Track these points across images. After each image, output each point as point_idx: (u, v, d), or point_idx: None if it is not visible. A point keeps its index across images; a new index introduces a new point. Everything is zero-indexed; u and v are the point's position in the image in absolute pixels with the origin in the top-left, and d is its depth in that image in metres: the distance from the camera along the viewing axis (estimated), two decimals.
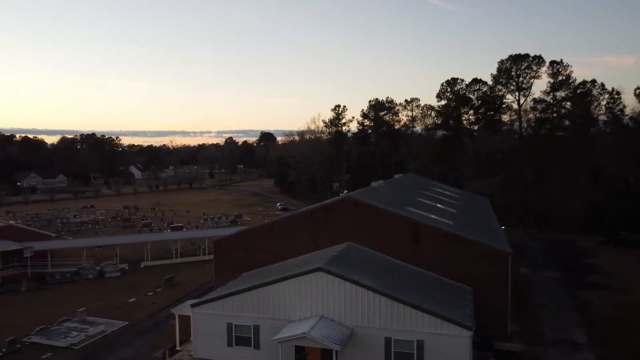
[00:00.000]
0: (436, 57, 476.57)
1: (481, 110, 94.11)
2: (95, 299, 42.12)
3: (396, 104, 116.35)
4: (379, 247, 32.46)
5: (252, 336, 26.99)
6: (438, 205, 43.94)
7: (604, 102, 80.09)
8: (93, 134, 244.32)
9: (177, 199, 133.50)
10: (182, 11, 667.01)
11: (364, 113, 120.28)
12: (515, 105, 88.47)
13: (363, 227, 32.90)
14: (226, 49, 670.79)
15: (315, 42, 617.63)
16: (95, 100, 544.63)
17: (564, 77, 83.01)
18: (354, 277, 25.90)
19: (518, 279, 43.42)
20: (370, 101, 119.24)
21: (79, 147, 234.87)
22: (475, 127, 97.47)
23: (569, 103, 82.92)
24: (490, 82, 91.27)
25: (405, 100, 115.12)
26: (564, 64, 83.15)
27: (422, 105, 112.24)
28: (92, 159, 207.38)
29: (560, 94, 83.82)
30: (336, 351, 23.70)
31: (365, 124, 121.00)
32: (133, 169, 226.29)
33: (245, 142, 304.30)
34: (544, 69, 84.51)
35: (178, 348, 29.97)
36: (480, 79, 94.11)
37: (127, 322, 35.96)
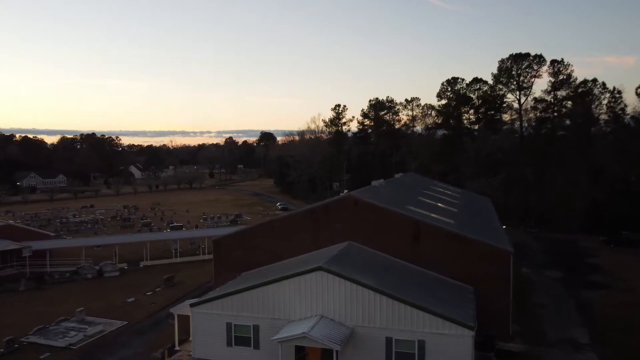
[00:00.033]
0: (436, 57, 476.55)
1: (482, 110, 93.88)
2: (94, 298, 41.91)
3: (396, 103, 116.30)
4: (379, 247, 32.24)
5: (252, 336, 26.76)
6: (439, 204, 43.71)
7: (605, 101, 79.92)
8: (93, 134, 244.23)
9: (177, 199, 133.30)
10: (182, 11, 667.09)
11: (364, 112, 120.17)
12: (515, 105, 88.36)
13: (364, 226, 32.68)
14: (226, 49, 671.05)
15: (315, 42, 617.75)
16: (95, 100, 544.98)
17: (564, 76, 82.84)
18: (355, 277, 25.67)
19: (519, 278, 43.22)
20: (370, 100, 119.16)
21: (78, 147, 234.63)
22: (476, 127, 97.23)
23: (569, 102, 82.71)
24: (490, 82, 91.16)
25: (406, 100, 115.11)
26: (565, 63, 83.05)
27: (422, 104, 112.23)
28: (92, 159, 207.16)
29: (561, 93, 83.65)
30: (336, 351, 23.47)
31: (366, 123, 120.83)
32: (133, 169, 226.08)
33: (245, 142, 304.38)
34: (544, 68, 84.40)
35: (177, 348, 29.74)
36: (481, 79, 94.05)
37: (126, 322, 35.74)
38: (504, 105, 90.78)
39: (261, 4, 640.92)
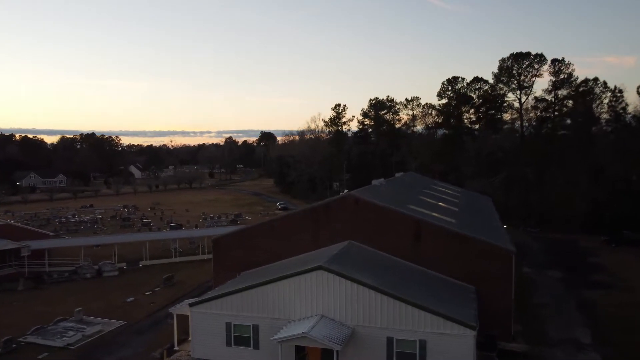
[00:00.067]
0: (436, 57, 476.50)
1: (482, 109, 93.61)
2: (93, 298, 41.67)
3: (397, 102, 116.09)
4: (380, 246, 31.99)
5: (252, 336, 26.53)
6: (440, 203, 43.47)
7: (606, 100, 79.60)
8: (93, 134, 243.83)
9: (177, 199, 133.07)
10: (182, 11, 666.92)
11: (364, 112, 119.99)
12: (516, 104, 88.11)
13: (364, 226, 32.43)
14: (226, 49, 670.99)
15: (315, 42, 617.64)
16: (95, 100, 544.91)
17: (565, 76, 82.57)
18: (355, 276, 25.43)
19: (520, 278, 43.02)
20: (370, 100, 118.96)
21: (78, 147, 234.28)
22: (476, 126, 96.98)
23: (570, 101, 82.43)
24: (491, 81, 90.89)
25: (406, 99, 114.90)
26: (566, 62, 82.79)
27: (422, 104, 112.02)
28: (91, 159, 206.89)
29: (562, 92, 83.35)
30: (337, 351, 23.23)
31: (366, 123, 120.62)
32: (133, 169, 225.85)
33: (245, 142, 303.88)
34: (545, 67, 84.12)
35: (176, 348, 29.50)
36: (481, 78, 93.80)
37: (124, 322, 35.50)
38: (505, 104, 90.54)
39: (261, 4, 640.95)
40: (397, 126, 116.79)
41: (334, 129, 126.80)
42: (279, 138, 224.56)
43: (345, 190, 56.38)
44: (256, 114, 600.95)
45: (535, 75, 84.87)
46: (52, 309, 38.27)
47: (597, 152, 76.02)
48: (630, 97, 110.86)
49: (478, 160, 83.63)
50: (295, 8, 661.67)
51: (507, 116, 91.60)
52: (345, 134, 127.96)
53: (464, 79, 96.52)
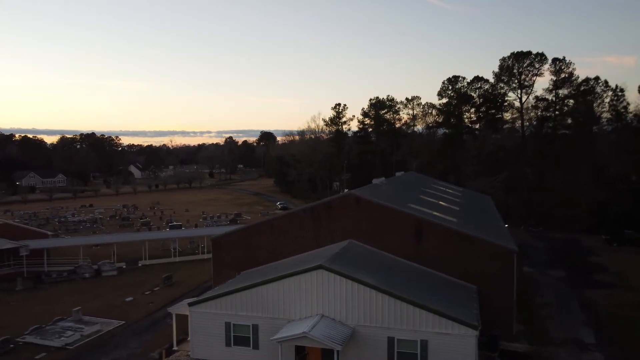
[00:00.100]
0: (437, 56, 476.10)
1: (482, 109, 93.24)
2: (92, 298, 41.41)
3: (397, 102, 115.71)
4: (381, 245, 31.76)
5: (251, 336, 26.26)
6: (440, 202, 43.19)
7: (607, 100, 79.24)
8: (93, 134, 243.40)
9: (177, 198, 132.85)
10: (182, 11, 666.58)
11: (364, 111, 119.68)
12: (517, 103, 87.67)
13: (365, 225, 32.21)
14: (226, 48, 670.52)
15: (315, 42, 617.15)
16: (95, 100, 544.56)
17: (566, 75, 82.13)
18: (356, 275, 25.15)
19: (522, 278, 42.79)
20: (370, 99, 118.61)
21: (78, 146, 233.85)
22: (477, 126, 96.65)
23: (571, 101, 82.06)
24: (492, 80, 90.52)
25: (406, 99, 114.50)
26: (567, 62, 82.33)
27: (423, 103, 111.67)
28: (91, 159, 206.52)
29: (563, 91, 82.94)
30: (337, 351, 22.93)
31: (366, 122, 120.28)
32: (133, 169, 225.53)
33: (245, 141, 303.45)
34: (546, 66, 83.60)
35: (175, 348, 29.23)
36: (482, 77, 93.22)
37: (123, 322, 35.22)
38: (506, 104, 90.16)
39: (261, 4, 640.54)
40: (397, 126, 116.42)
41: (334, 128, 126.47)
42: (279, 138, 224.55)
43: (345, 190, 56.12)
44: (256, 114, 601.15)
45: (536, 75, 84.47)
46: (51, 309, 38.02)
47: (598, 151, 75.77)
48: (630, 96, 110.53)
49: (479, 159, 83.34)
50: (295, 8, 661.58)
51: (507, 115, 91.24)
52: (346, 133, 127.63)
53: (464, 78, 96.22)
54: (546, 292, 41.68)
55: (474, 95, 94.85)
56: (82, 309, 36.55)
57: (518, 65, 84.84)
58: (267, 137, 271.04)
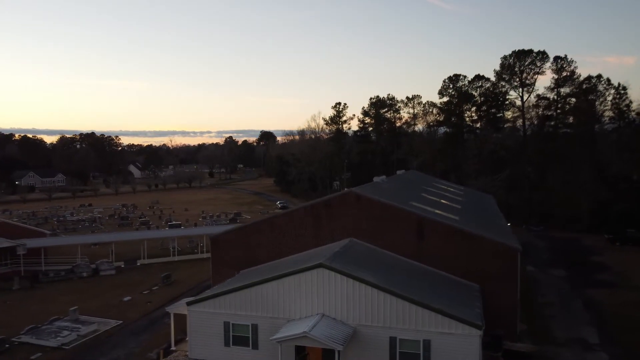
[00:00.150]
0: (437, 56, 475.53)
1: (484, 107, 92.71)
2: (89, 297, 40.97)
3: (397, 101, 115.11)
4: (382, 243, 31.32)
5: (250, 336, 25.81)
6: (442, 201, 42.72)
7: (609, 98, 78.74)
8: (92, 134, 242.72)
9: (176, 198, 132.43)
10: (182, 11, 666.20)
11: (364, 110, 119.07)
12: (518, 102, 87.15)
13: (366, 223, 31.75)
14: (226, 48, 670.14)
15: (316, 41, 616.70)
16: (95, 100, 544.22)
17: (568, 73, 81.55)
18: (357, 274, 24.69)
19: (524, 277, 42.22)
20: (371, 98, 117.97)
21: (78, 146, 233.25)
22: (478, 125, 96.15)
23: (573, 99, 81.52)
24: (493, 79, 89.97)
25: (407, 98, 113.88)
26: (568, 60, 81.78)
27: (423, 102, 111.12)
28: (91, 158, 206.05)
29: (565, 90, 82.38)
30: (338, 351, 22.45)
31: (366, 121, 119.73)
32: (132, 168, 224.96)
33: (245, 141, 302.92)
34: (547, 65, 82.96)
35: (173, 348, 28.77)
36: (483, 76, 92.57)
37: (121, 321, 34.78)
38: (507, 102, 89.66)
39: (261, 4, 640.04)
40: (398, 125, 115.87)
41: (334, 127, 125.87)
42: (279, 138, 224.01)
43: (346, 189, 55.58)
44: (256, 114, 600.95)
45: (538, 73, 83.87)
46: (47, 308, 37.57)
47: (600, 150, 75.30)
48: (633, 95, 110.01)
49: (480, 158, 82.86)
50: (296, 8, 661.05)
51: (509, 114, 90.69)
52: (346, 133, 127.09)
53: (465, 76, 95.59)
54: (548, 292, 41.25)
55: (475, 93, 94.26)
56: (80, 308, 36.11)
57: (519, 64, 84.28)
58: (267, 136, 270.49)
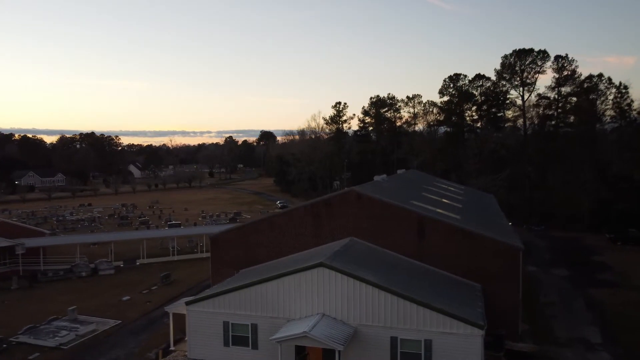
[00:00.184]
0: (438, 55, 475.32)
1: (484, 107, 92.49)
2: (88, 297, 40.72)
3: (398, 100, 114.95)
4: (383, 243, 31.07)
5: (250, 335, 25.56)
6: (443, 200, 42.46)
7: (611, 97, 78.49)
8: (92, 133, 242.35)
9: (176, 198, 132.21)
10: (182, 11, 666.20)
11: (365, 110, 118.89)
12: (519, 101, 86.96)
13: (366, 222, 31.49)
14: (226, 48, 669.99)
15: (316, 41, 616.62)
16: (95, 100, 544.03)
17: (569, 72, 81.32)
18: (358, 273, 24.44)
19: (525, 276, 41.98)
20: (371, 98, 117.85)
21: (78, 146, 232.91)
22: (478, 124, 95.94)
23: (574, 98, 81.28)
24: (493, 78, 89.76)
25: (407, 97, 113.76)
26: (569, 59, 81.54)
27: (424, 101, 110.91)
28: (91, 158, 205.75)
29: (566, 89, 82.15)
30: (339, 351, 22.20)
31: (367, 121, 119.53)
32: (132, 168, 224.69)
33: (245, 141, 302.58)
34: (548, 64, 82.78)
35: (172, 348, 28.52)
36: (484, 75, 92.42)
37: (120, 321, 34.53)
38: (507, 101, 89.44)
39: (261, 4, 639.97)
40: (398, 124, 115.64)
41: (334, 127, 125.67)
42: (279, 137, 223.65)
43: (346, 188, 55.27)
44: (256, 114, 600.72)
45: (539, 72, 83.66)
46: (46, 308, 37.33)
47: (601, 149, 75.05)
48: (634, 94, 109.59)
49: (480, 158, 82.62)
50: (296, 8, 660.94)
51: (509, 113, 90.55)
52: (346, 132, 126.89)
53: (465, 76, 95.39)
54: (550, 291, 41.02)
55: (476, 93, 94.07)
56: (78, 308, 35.86)
57: (520, 63, 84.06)
58: (267, 136, 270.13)
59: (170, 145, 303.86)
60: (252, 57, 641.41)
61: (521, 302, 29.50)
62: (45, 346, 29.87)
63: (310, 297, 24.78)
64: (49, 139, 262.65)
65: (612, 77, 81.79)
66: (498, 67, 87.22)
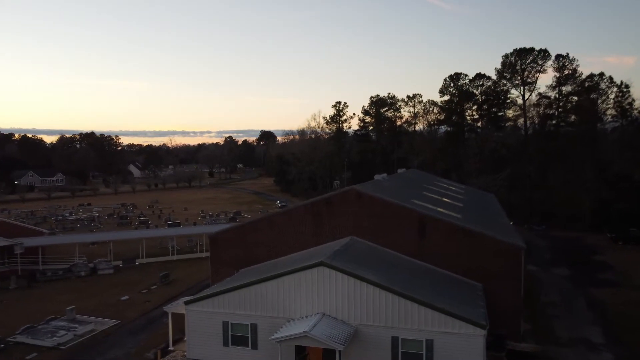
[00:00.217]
0: (437, 56, 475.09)
1: (485, 106, 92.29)
2: (87, 296, 40.49)
3: (398, 100, 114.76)
4: (384, 242, 30.81)
5: (250, 335, 25.32)
6: (444, 199, 42.23)
7: (612, 96, 78.24)
8: (92, 133, 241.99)
9: (176, 197, 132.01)
10: (182, 11, 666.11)
11: (365, 109, 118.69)
12: (519, 101, 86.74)
13: (367, 221, 31.23)
14: (226, 48, 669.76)
15: (316, 41, 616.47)
16: (95, 100, 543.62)
17: (570, 71, 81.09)
18: (358, 272, 24.20)
19: (526, 276, 41.72)
20: (371, 97, 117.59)
21: (77, 146, 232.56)
22: (479, 123, 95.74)
23: (575, 97, 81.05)
24: (494, 77, 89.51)
25: (407, 96, 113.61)
26: (570, 58, 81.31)
27: (424, 101, 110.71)
28: (90, 158, 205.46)
29: (566, 88, 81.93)
30: (339, 351, 21.97)
31: (367, 120, 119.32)
32: (132, 168, 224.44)
33: (245, 141, 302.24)
34: (549, 63, 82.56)
35: (171, 348, 28.28)
36: (484, 74, 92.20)
37: (118, 321, 34.31)
38: (508, 101, 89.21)
39: (261, 4, 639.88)
40: (398, 124, 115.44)
41: (334, 127, 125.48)
42: (279, 137, 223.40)
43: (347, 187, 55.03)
44: (256, 114, 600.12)
45: (539, 71, 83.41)
46: (45, 308, 37.11)
47: (602, 149, 74.83)
48: (635, 93, 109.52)
49: (481, 157, 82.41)
50: (296, 8, 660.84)
51: (510, 113, 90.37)
52: (346, 132, 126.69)
53: (466, 75, 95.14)
54: (551, 291, 40.81)
55: (476, 92, 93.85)
56: (77, 308, 35.63)
57: (521, 62, 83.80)
58: (267, 136, 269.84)
59: (170, 145, 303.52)
60: (252, 57, 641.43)
61: (523, 302, 29.25)
62: (43, 346, 29.65)
63: (310, 297, 24.55)
64: (49, 139, 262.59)
65: (612, 77, 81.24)
66: (498, 67, 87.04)
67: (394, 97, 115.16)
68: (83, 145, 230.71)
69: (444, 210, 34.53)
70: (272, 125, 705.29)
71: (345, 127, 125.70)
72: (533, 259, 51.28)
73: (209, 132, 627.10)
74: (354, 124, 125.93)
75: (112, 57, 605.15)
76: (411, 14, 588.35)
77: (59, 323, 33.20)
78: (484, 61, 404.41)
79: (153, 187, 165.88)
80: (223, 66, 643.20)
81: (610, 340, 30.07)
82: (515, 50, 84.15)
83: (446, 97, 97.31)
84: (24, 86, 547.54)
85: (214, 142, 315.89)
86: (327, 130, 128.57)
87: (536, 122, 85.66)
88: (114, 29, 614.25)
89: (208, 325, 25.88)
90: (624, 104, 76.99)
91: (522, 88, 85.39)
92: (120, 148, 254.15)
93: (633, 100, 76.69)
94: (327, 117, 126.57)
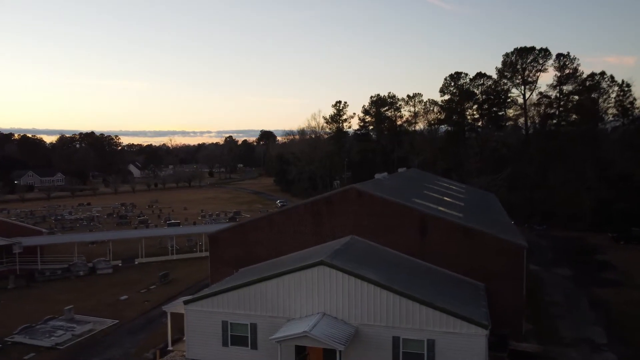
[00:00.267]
0: (438, 56, 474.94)
1: (485, 105, 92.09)
2: (86, 296, 40.24)
3: (398, 99, 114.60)
4: (384, 241, 30.59)
5: (249, 335, 25.11)
6: (445, 198, 41.99)
7: (613, 95, 78.03)
8: (92, 133, 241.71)
9: (175, 197, 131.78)
10: (182, 11, 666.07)
11: (365, 109, 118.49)
12: (520, 100, 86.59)
13: (368, 220, 31.01)
14: (226, 48, 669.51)
15: (316, 41, 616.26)
16: (95, 100, 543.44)
17: (570, 71, 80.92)
18: (359, 272, 23.96)
19: (528, 276, 41.49)
20: (371, 97, 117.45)
21: (77, 145, 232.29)
22: (479, 123, 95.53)
23: (576, 97, 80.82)
24: (494, 77, 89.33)
25: (408, 96, 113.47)
26: (571, 57, 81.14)
27: (424, 100, 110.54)
28: (90, 158, 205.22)
29: (567, 87, 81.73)
30: (340, 351, 21.74)
31: (367, 120, 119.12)
32: (132, 168, 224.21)
33: (245, 141, 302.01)
34: (550, 62, 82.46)
35: (170, 348, 28.05)
36: (485, 74, 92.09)
37: (117, 321, 34.06)
38: (509, 100, 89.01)
39: (261, 4, 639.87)
40: (398, 123, 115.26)
41: (334, 126, 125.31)
42: (279, 137, 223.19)
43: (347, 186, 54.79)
44: (256, 114, 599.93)
45: (540, 71, 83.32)
46: (43, 308, 36.82)
47: (602, 148, 74.57)
48: (636, 92, 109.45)
49: (481, 157, 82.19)
50: (296, 8, 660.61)
51: (510, 112, 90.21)
52: (346, 132, 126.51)
53: (466, 74, 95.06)
54: (553, 291, 40.55)
55: (477, 91, 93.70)
56: (76, 307, 35.39)
57: (521, 61, 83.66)
58: (267, 136, 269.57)
59: (170, 145, 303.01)
60: (252, 57, 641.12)
61: (525, 302, 29.01)
62: (41, 346, 29.39)
63: (310, 296, 24.31)
64: (49, 139, 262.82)
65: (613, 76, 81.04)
66: (499, 66, 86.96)
67: (394, 96, 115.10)
68: (83, 145, 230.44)
69: (445, 210, 34.29)
70: (272, 125, 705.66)
71: (345, 127, 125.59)
72: (534, 259, 51.00)
73: (209, 132, 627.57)
74: (354, 124, 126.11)
75: (112, 57, 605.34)
76: (411, 14, 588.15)
77: (57, 323, 32.95)
78: (484, 61, 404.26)
79: (153, 187, 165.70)
80: (223, 66, 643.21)
81: (613, 340, 29.81)
82: (516, 49, 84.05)
83: (446, 97, 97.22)
84: (24, 86, 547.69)
85: (214, 142, 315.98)
86: (327, 129, 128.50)
87: (537, 121, 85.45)
88: (114, 29, 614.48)
89: (207, 325, 25.67)
90: (625, 103, 76.81)
91: (522, 87, 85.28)
92: (120, 148, 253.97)
93: (634, 99, 76.63)
94: (327, 117, 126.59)
